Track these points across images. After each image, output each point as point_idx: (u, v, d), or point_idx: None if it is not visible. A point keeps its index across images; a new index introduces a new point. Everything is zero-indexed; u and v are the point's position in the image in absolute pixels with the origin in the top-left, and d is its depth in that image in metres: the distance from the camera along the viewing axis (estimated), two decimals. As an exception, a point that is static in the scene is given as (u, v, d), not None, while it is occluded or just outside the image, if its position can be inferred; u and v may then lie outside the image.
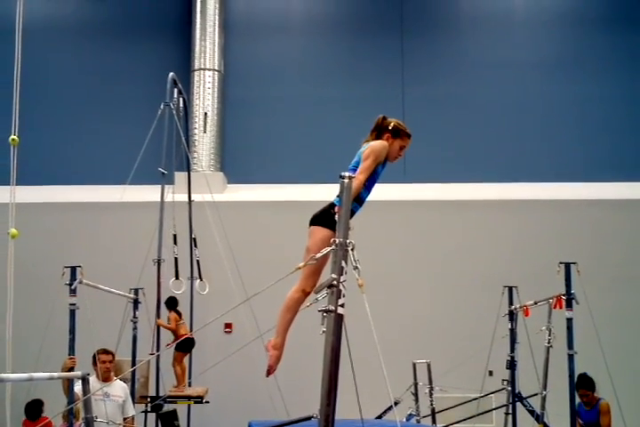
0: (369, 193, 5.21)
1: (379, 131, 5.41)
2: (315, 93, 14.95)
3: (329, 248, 3.95)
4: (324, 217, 5.00)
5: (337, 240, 3.88)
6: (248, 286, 10.17)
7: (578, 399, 8.98)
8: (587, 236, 13.57)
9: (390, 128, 5.36)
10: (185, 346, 10.44)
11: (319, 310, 3.84)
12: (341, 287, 3.82)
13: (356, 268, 3.87)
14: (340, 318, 3.81)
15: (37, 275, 12.18)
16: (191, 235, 11.90)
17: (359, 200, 5.10)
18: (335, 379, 3.81)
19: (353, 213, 4.85)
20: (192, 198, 12.22)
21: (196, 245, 11.76)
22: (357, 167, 5.17)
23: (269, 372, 5.14)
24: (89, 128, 14.71)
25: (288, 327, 5.17)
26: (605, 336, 9.54)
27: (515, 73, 14.99)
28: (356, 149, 13.75)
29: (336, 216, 4.22)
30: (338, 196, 5.00)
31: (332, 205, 5.00)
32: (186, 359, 10.82)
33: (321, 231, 4.98)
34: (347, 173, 4.07)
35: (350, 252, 3.88)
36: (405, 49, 15.03)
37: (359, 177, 4.99)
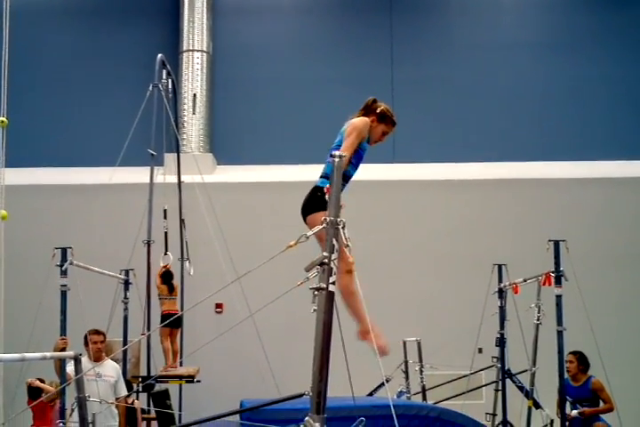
0: (356, 170, 5.22)
1: (366, 112, 5.41)
2: (304, 74, 14.92)
3: (321, 226, 3.97)
4: (314, 203, 5.00)
5: (328, 218, 3.91)
6: (238, 266, 10.20)
7: (566, 375, 9.05)
8: (577, 214, 13.63)
9: (378, 112, 5.38)
10: (167, 322, 10.39)
11: (310, 288, 3.87)
12: (332, 265, 3.85)
13: (346, 246, 3.90)
14: (331, 296, 3.84)
15: (28, 257, 12.20)
16: (181, 216, 11.91)
17: (345, 177, 5.08)
18: (327, 356, 3.85)
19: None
20: (182, 180, 12.22)
21: (184, 227, 11.76)
22: (340, 146, 5.15)
23: (383, 353, 4.89)
24: (77, 110, 14.66)
25: (360, 310, 4.95)
26: (595, 314, 9.62)
27: (505, 53, 14.99)
28: (345, 129, 13.54)
29: (327, 196, 4.22)
30: (322, 177, 5.02)
31: (316, 189, 5.00)
32: (178, 340, 10.85)
33: (318, 216, 4.85)
34: (337, 152, 4.09)
35: (341, 230, 3.91)
36: (395, 29, 14.99)
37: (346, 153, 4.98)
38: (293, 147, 14.29)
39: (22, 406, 8.96)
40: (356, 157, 5.16)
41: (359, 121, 5.26)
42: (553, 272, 8.53)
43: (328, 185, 4.23)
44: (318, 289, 3.85)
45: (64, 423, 7.58)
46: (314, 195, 5.02)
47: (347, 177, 5.07)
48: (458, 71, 14.89)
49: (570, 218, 13.45)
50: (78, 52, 14.93)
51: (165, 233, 11.27)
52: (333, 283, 3.83)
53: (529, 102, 14.79)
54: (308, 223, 5.10)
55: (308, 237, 3.96)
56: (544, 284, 8.79)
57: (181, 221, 11.85)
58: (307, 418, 3.80)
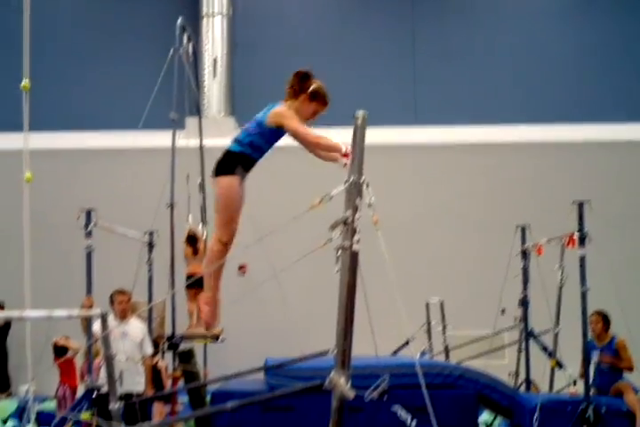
0: (270, 146, 5.15)
1: (299, 88, 5.23)
2: (324, 37, 14.83)
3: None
4: (221, 166, 5.02)
5: (351, 178, 3.91)
6: (261, 227, 10.23)
7: (590, 336, 9.04)
8: (601, 176, 13.58)
9: (310, 91, 5.20)
10: (191, 283, 10.48)
11: (335, 248, 3.88)
12: (355, 225, 3.85)
13: (370, 205, 3.91)
14: (355, 255, 3.85)
15: (53, 220, 12.30)
16: (203, 180, 11.93)
17: (259, 149, 5.10)
18: (351, 316, 3.86)
19: (253, 159, 5.07)
20: (203, 143, 12.21)
21: (203, 191, 11.76)
22: (260, 125, 5.08)
23: (207, 327, 5.26)
24: (99, 74, 14.67)
25: (218, 280, 5.27)
26: (618, 275, 9.60)
27: (529, 13, 14.84)
28: (366, 93, 13.81)
29: (346, 160, 4.29)
30: (234, 141, 5.04)
31: (226, 154, 5.03)
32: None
33: (222, 180, 5.00)
34: (361, 113, 4.07)
35: (365, 189, 3.91)
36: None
37: (313, 134, 4.94)
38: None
39: (49, 365, 9.09)
40: (274, 136, 5.10)
41: (284, 111, 5.11)
42: (577, 233, 8.50)
43: (348, 148, 4.25)
44: (342, 248, 3.86)
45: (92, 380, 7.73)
46: (222, 159, 5.04)
47: (260, 149, 5.10)
48: (482, 31, 14.76)
49: (594, 180, 13.39)
50: (100, 16, 14.91)
51: (188, 198, 11.31)
52: (357, 242, 3.84)
53: (553, 64, 14.66)
54: (214, 184, 5.12)
55: (331, 198, 3.96)
56: (567, 245, 8.77)
57: (203, 184, 11.87)
58: (332, 373, 3.83)
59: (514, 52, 14.71)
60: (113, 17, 14.88)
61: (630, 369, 9.23)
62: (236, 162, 5.02)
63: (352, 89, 13.64)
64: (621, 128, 14.00)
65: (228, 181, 4.98)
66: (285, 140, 15.43)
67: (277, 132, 5.10)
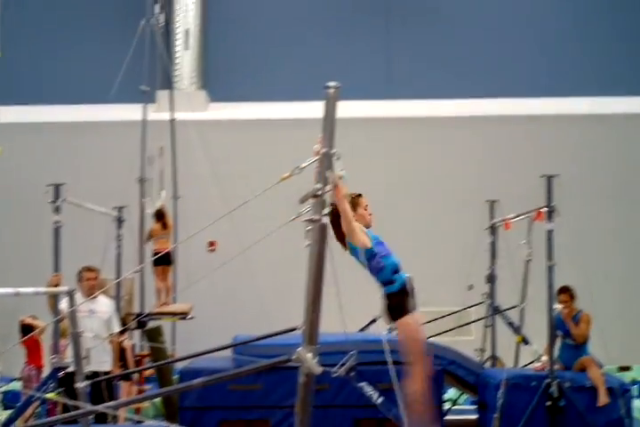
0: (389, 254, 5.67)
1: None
2: (300, 8, 14.72)
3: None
4: (395, 311, 5.44)
5: (322, 150, 3.88)
6: (231, 204, 10.17)
7: (557, 309, 9.04)
8: (569, 151, 13.63)
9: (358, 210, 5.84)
10: (158, 260, 10.44)
11: (304, 220, 3.86)
12: (325, 197, 3.83)
13: (340, 177, 3.88)
14: (324, 228, 3.83)
15: (20, 195, 12.15)
16: (173, 154, 11.86)
17: (397, 265, 5.59)
18: (320, 287, 3.84)
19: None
20: (174, 117, 12.13)
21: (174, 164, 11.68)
22: (371, 256, 5.54)
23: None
24: (69, 46, 14.51)
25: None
26: (585, 250, 9.64)
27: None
28: (341, 66, 13.46)
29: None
30: (383, 283, 5.45)
31: (389, 298, 5.42)
32: (170, 277, 10.90)
33: (405, 322, 5.45)
34: (332, 83, 4.03)
35: (335, 162, 3.88)
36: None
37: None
38: (288, 83, 14.14)
39: (16, 345, 9.00)
40: (379, 243, 5.67)
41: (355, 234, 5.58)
42: (545, 207, 8.51)
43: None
44: (311, 221, 3.84)
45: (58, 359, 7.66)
46: (391, 303, 5.43)
47: (396, 265, 5.61)
48: (454, 4, 14.75)
49: (563, 155, 13.43)
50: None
51: (161, 171, 11.27)
52: (327, 215, 3.82)
53: (523, 38, 14.69)
54: (399, 328, 5.49)
55: (301, 170, 3.93)
56: (536, 219, 8.79)
57: (173, 158, 11.80)
58: (299, 349, 3.81)
59: (485, 26, 14.73)
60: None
61: (580, 340, 9.16)
62: (402, 298, 5.42)
63: (326, 63, 13.60)
64: (591, 101, 14.06)
65: (411, 320, 5.41)
66: (255, 115, 15.30)
67: (373, 245, 5.67)
